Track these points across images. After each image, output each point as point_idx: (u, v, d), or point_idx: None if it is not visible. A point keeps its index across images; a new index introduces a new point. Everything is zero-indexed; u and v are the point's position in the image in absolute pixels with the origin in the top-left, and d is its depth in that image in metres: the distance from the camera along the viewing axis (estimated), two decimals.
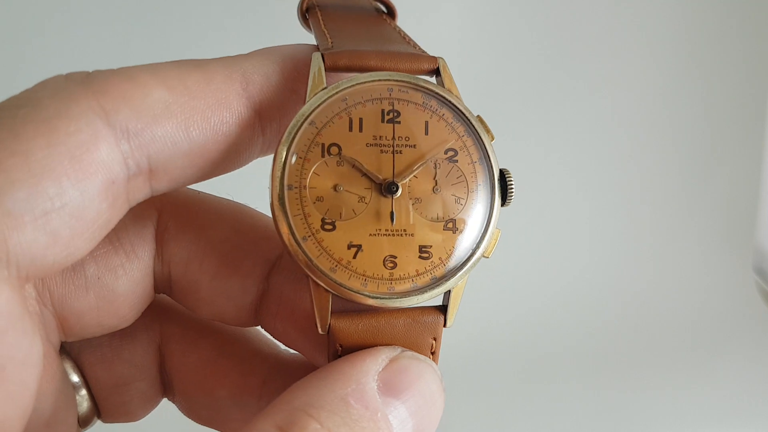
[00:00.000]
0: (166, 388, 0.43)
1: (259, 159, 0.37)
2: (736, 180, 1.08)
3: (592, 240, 1.09)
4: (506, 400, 0.94)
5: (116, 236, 0.37)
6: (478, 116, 0.37)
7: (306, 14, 0.41)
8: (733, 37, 1.08)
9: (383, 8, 0.43)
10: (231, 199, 0.41)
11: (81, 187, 0.29)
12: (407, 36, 0.40)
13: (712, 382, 0.97)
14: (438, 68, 0.37)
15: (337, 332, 0.34)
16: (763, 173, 0.95)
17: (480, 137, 0.37)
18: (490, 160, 0.36)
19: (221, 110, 0.33)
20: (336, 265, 0.34)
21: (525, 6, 1.05)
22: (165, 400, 0.44)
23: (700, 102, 1.09)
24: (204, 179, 0.35)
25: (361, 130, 0.35)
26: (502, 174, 0.37)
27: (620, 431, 0.91)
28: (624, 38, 1.07)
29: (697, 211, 1.09)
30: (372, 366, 0.32)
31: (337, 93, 0.35)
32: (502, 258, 1.01)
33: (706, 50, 1.08)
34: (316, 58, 0.35)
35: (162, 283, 0.39)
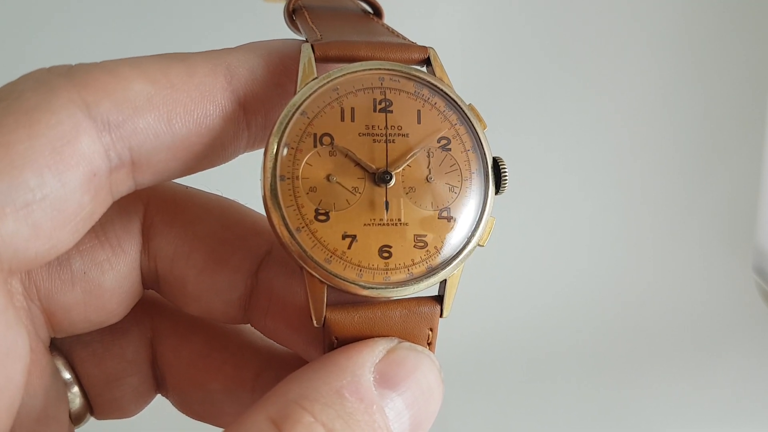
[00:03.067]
0: (159, 383, 0.43)
1: (248, 155, 0.37)
2: (736, 180, 1.08)
3: (592, 239, 1.09)
4: (506, 399, 0.94)
5: (102, 230, 0.37)
6: (470, 105, 0.37)
7: (293, 16, 0.41)
8: (733, 37, 1.07)
9: (369, 9, 0.43)
10: (219, 194, 0.41)
11: (62, 179, 0.29)
12: (395, 30, 0.40)
13: (712, 382, 0.97)
14: (428, 58, 0.37)
15: (333, 325, 0.33)
16: (763, 173, 0.95)
17: (473, 125, 0.37)
18: (483, 149, 0.36)
19: (205, 103, 0.33)
20: (331, 256, 0.33)
21: (525, 4, 1.05)
22: (159, 396, 0.43)
23: (700, 102, 1.08)
24: (189, 173, 0.35)
25: (353, 119, 0.35)
26: (496, 162, 0.36)
27: (620, 431, 0.91)
28: (624, 37, 1.07)
29: (697, 212, 1.09)
30: (368, 358, 0.32)
31: (328, 83, 0.35)
32: (502, 257, 1.02)
33: (706, 50, 1.08)
34: (306, 49, 0.35)
35: (149, 279, 0.39)
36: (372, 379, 0.32)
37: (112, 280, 0.37)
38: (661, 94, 1.08)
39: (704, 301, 1.06)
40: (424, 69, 0.37)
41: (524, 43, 1.06)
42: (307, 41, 0.36)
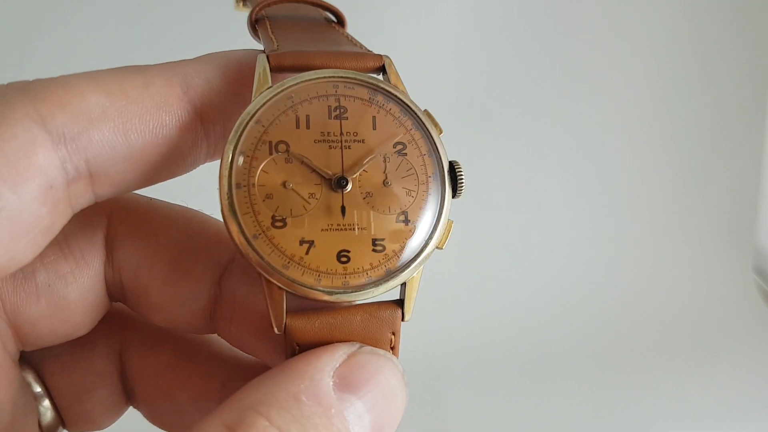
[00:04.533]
0: (129, 395, 0.43)
1: (213, 167, 0.37)
2: (736, 180, 1.07)
3: (592, 240, 1.09)
4: (506, 400, 0.94)
5: (66, 243, 0.37)
6: (425, 110, 0.37)
7: (255, 25, 0.41)
8: (733, 37, 1.07)
9: (333, 18, 0.43)
10: (184, 205, 0.41)
11: (18, 192, 0.30)
12: (355, 39, 0.40)
13: (712, 382, 0.96)
14: (384, 66, 0.37)
15: (294, 331, 0.33)
16: (763, 173, 0.95)
17: (428, 130, 0.37)
18: (439, 153, 0.36)
19: (160, 114, 0.34)
20: (288, 262, 0.33)
21: (524, 6, 1.05)
22: (131, 408, 0.44)
23: (700, 102, 1.08)
24: (148, 184, 0.35)
25: (308, 127, 0.35)
26: (452, 166, 0.36)
27: (620, 431, 0.91)
28: (624, 38, 1.07)
29: (697, 212, 1.09)
30: (328, 362, 0.32)
31: (282, 91, 0.35)
32: (502, 257, 1.02)
33: (706, 50, 1.07)
34: (261, 59, 0.36)
35: (115, 291, 0.39)
36: (332, 383, 0.31)
37: (76, 292, 0.37)
38: (661, 95, 1.08)
39: (704, 301, 1.05)
40: (379, 77, 0.38)
41: (523, 43, 1.06)
42: (264, 52, 0.37)
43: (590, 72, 1.07)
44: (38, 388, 0.40)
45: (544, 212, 1.07)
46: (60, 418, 0.41)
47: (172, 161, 0.35)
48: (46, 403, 0.40)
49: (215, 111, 0.35)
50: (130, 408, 0.44)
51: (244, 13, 0.44)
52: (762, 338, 1.01)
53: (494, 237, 1.06)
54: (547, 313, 1.04)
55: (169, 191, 0.40)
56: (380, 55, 0.38)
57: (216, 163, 0.37)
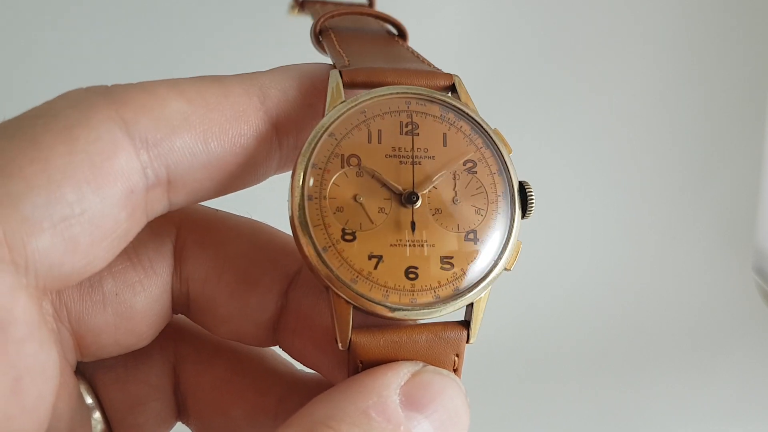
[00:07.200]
0: (180, 410, 0.42)
1: (275, 181, 0.38)
2: (736, 180, 1.08)
3: (592, 240, 1.09)
4: (507, 400, 0.94)
5: (134, 252, 0.37)
6: (495, 129, 0.37)
7: (319, 37, 0.41)
8: (733, 37, 1.08)
9: (394, 30, 0.44)
10: (249, 217, 0.41)
11: (101, 194, 0.30)
12: (420, 55, 0.40)
13: (712, 382, 0.97)
14: (454, 84, 0.38)
15: (358, 348, 0.33)
16: (763, 173, 0.95)
17: (498, 149, 0.37)
18: (509, 172, 0.37)
19: (239, 123, 0.34)
20: (357, 276, 0.33)
21: (525, 7, 1.05)
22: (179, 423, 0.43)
23: (700, 102, 1.08)
24: (221, 194, 0.36)
25: (380, 141, 0.35)
26: (522, 186, 0.37)
27: (620, 431, 0.91)
28: (624, 38, 1.07)
29: (697, 212, 1.09)
30: (394, 379, 0.32)
31: (356, 105, 0.35)
32: None
33: (706, 50, 1.08)
34: (334, 74, 0.36)
35: (180, 302, 0.39)
36: (398, 400, 0.31)
37: (143, 302, 0.37)
38: (661, 94, 1.08)
39: (704, 301, 1.06)
40: (449, 95, 0.38)
41: (523, 44, 1.05)
42: (334, 66, 0.37)
43: (589, 72, 1.08)
44: (90, 400, 0.39)
45: (544, 212, 1.06)
46: (110, 431, 0.40)
47: (246, 171, 0.35)
48: (97, 415, 0.40)
49: (290, 122, 0.36)
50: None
51: (295, 18, 0.44)
52: (762, 338, 1.02)
53: None
54: (546, 314, 1.04)
55: (229, 204, 0.40)
56: (450, 75, 0.38)
57: (278, 176, 0.38)
